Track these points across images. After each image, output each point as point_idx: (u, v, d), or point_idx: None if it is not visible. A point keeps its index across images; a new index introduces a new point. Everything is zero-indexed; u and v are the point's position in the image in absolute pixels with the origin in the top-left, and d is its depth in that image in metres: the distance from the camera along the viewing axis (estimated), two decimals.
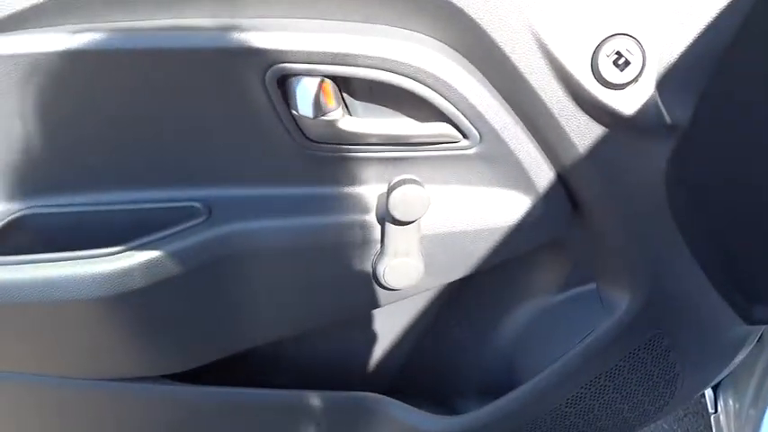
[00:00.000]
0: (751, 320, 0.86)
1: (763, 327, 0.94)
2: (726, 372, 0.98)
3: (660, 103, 0.68)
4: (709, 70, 0.67)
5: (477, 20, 0.67)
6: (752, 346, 0.98)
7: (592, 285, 0.89)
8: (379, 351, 0.95)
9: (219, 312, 0.81)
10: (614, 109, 0.68)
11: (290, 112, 0.72)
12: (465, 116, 0.72)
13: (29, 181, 0.75)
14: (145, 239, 0.73)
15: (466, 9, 0.66)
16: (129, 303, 0.75)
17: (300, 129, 0.73)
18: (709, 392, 1.25)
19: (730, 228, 0.78)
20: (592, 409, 0.90)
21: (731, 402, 1.19)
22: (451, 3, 0.66)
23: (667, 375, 0.89)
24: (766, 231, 0.79)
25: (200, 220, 0.75)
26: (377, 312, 0.91)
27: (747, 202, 0.77)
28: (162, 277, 0.74)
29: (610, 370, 0.87)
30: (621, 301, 0.84)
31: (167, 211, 0.76)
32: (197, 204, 0.76)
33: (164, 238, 0.74)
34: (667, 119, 0.68)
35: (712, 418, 1.24)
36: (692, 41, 0.66)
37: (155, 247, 0.73)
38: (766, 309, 0.87)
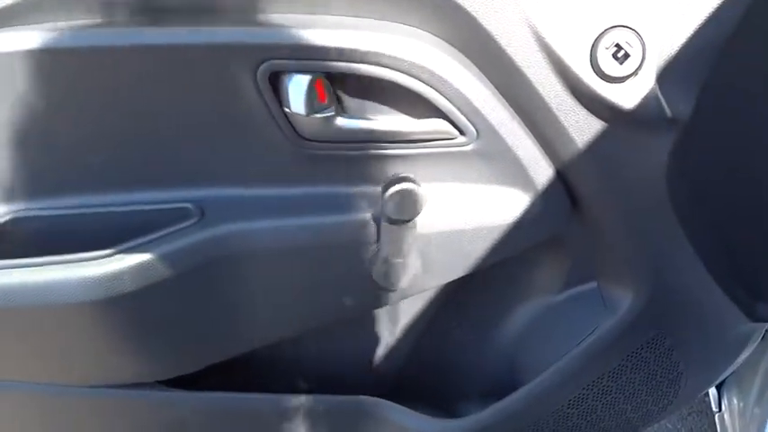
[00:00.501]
0: (755, 317, 0.85)
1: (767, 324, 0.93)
2: (730, 370, 0.97)
3: (661, 96, 0.66)
4: (711, 62, 0.66)
5: (473, 13, 0.65)
6: (756, 343, 0.97)
7: (593, 284, 0.87)
8: (377, 353, 0.93)
9: (214, 315, 0.79)
10: (614, 103, 0.67)
11: (283, 110, 0.70)
12: (461, 112, 0.70)
13: (16, 184, 0.74)
14: (136, 242, 0.72)
15: (461, 2, 0.65)
16: (120, 307, 0.73)
17: (293, 127, 0.71)
18: (713, 391, 1.24)
19: (733, 223, 0.77)
20: (594, 410, 0.89)
21: (735, 401, 1.18)
22: None
23: (671, 375, 0.87)
24: None
25: (192, 221, 0.74)
26: (375, 313, 0.89)
27: (750, 196, 0.76)
28: (154, 280, 0.72)
29: (612, 370, 0.86)
30: (623, 300, 0.82)
31: (159, 213, 0.74)
32: (189, 205, 0.75)
33: (155, 240, 0.72)
34: (668, 112, 0.67)
35: (716, 416, 1.23)
36: (692, 33, 0.65)
37: (146, 250, 0.72)
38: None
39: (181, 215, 0.74)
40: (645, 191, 0.72)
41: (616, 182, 0.73)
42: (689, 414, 1.62)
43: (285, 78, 0.69)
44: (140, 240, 0.72)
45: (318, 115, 0.70)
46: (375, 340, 0.92)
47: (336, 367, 0.92)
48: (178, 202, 0.75)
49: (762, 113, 0.71)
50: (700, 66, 0.66)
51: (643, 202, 0.73)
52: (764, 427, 1.09)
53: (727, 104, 0.70)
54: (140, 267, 0.71)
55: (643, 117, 0.67)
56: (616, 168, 0.72)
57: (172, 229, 0.73)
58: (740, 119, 0.72)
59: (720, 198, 0.75)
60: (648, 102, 0.66)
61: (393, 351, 0.93)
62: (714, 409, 1.23)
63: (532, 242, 0.80)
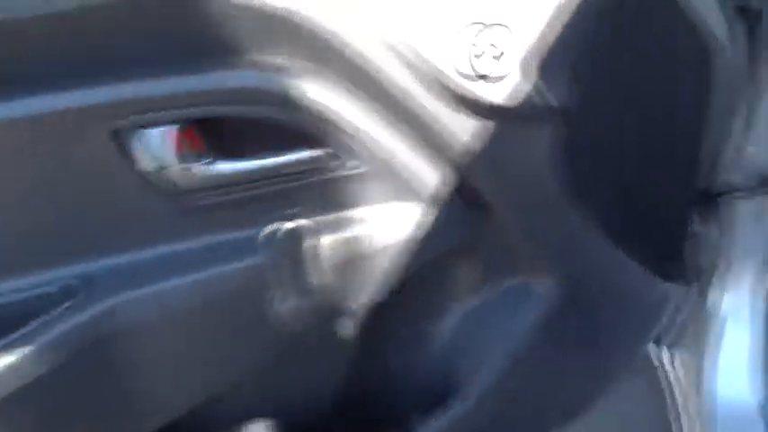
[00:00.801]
0: (670, 278, 0.85)
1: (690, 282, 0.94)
2: (664, 328, 0.98)
3: (538, 87, 0.65)
4: (587, 44, 0.65)
5: (330, 36, 0.64)
6: (687, 301, 0.98)
7: (516, 278, 0.86)
8: (308, 395, 0.90)
9: (119, 395, 0.74)
10: (490, 101, 0.65)
11: (151, 166, 0.67)
12: (340, 137, 0.69)
13: None
14: (13, 336, 0.66)
15: (316, 25, 0.63)
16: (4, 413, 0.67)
17: (166, 182, 0.68)
18: (657, 349, 1.25)
19: (632, 194, 0.77)
20: (534, 403, 0.88)
21: (679, 355, 1.19)
22: (301, 22, 0.63)
23: (602, 352, 0.87)
24: (665, 190, 0.78)
25: (75, 299, 0.69)
26: (297, 354, 0.86)
27: (641, 164, 0.76)
28: (41, 373, 0.67)
29: (546, 359, 0.85)
30: (544, 290, 0.82)
31: (35, 299, 0.69)
32: (70, 283, 0.70)
33: (37, 328, 0.67)
34: (547, 102, 0.66)
35: (662, 373, 1.24)
36: (563, 20, 0.64)
37: (27, 342, 0.66)
38: (682, 264, 0.87)
39: (61, 296, 0.69)
40: (536, 183, 0.72)
41: (506, 178, 0.72)
42: (636, 374, 1.63)
43: (146, 133, 0.65)
44: (19, 333, 0.67)
45: (190, 165, 0.67)
46: (303, 381, 0.89)
47: (268, 417, 0.89)
48: (57, 282, 0.70)
49: (642, 88, 0.71)
50: (574, 51, 0.65)
51: (537, 194, 0.73)
52: (711, 378, 1.11)
53: (607, 83, 0.70)
54: (23, 363, 0.66)
55: (523, 111, 0.66)
56: (503, 165, 0.71)
57: (54, 312, 0.68)
58: (623, 94, 0.72)
59: (614, 174, 0.75)
60: (525, 95, 0.65)
61: (325, 388, 0.90)
62: (658, 365, 1.25)
63: (441, 250, 0.79)
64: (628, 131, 0.73)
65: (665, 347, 1.23)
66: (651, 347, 1.25)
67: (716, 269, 1.03)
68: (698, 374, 1.14)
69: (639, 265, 0.82)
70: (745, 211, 0.98)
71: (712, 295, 1.09)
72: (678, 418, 1.17)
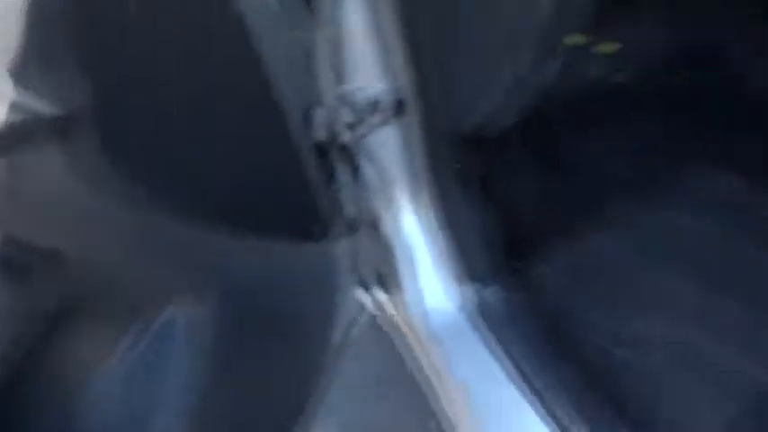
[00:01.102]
0: (316, 239, 0.81)
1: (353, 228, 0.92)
2: (363, 277, 0.95)
3: (19, 103, 0.52)
4: (72, 36, 0.54)
5: None
6: (365, 245, 0.96)
7: (161, 315, 0.74)
8: None
9: None
10: None
11: None
12: None
13: None
14: None
15: None
16: None
17: None
18: (371, 297, 1.26)
19: (231, 176, 0.70)
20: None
21: (390, 296, 1.21)
22: None
23: (291, 349, 0.80)
24: (268, 160, 0.72)
25: None
26: None
27: (228, 145, 0.68)
28: None
29: (231, 386, 0.76)
30: (195, 317, 0.72)
31: None
32: None
33: None
34: (40, 115, 0.53)
35: (383, 319, 1.25)
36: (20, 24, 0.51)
37: None
38: (334, 218, 0.84)
39: None
40: (79, 206, 0.60)
41: (45, 219, 0.60)
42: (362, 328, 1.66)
43: None
44: None
45: None
46: None
47: None
48: None
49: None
50: (58, 51, 0.54)
51: (96, 222, 0.61)
52: (409, 304, 1.13)
53: (144, 66, 0.60)
54: None
55: (11, 135, 0.53)
56: (33, 205, 0.59)
57: None
58: (169, 72, 0.62)
59: (198, 158, 0.66)
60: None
61: None
62: (376, 312, 1.26)
63: (39, 322, 0.64)
64: (193, 115, 0.63)
65: (378, 293, 1.25)
66: (365, 297, 1.26)
67: (377, 203, 1.05)
68: (407, 306, 1.17)
69: (289, 241, 0.76)
70: (372, 141, 0.99)
71: (387, 228, 1.11)
72: (412, 352, 1.19)
